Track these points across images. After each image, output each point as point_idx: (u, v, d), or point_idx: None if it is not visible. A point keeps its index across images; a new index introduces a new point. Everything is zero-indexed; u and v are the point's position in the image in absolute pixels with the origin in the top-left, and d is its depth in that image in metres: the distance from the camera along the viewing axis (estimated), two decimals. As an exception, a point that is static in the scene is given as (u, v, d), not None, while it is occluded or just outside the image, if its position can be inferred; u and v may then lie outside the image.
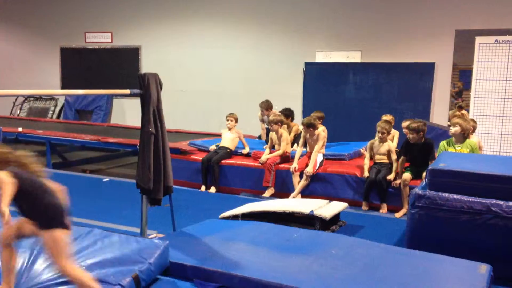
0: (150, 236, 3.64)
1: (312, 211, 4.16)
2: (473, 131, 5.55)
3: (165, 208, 3.68)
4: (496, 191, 3.29)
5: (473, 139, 5.32)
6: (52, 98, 11.15)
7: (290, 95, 8.73)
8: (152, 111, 3.39)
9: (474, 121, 5.86)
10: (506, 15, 7.35)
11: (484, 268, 2.76)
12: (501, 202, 3.21)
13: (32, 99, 11.31)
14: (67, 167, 7.65)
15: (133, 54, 10.35)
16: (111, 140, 7.19)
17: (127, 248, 2.75)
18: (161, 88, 3.49)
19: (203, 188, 6.04)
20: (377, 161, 5.44)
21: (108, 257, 2.64)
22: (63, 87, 11.07)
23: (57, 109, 11.17)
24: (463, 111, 6.52)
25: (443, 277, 2.74)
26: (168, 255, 2.81)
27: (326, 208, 4.34)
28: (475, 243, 3.24)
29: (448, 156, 4.16)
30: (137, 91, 3.40)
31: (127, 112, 10.56)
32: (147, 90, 3.38)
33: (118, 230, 3.98)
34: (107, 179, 6.40)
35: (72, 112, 10.85)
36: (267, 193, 5.75)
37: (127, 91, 3.50)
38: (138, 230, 3.60)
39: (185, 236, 3.35)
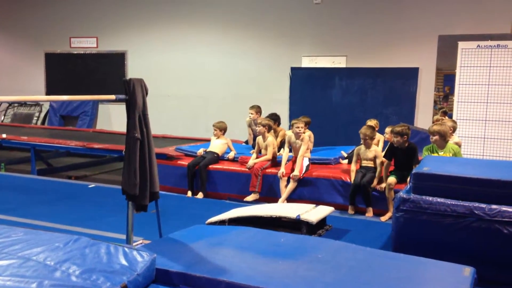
0: (136, 243, 3.62)
1: (298, 215, 4.18)
2: (453, 131, 5.64)
3: (152, 214, 3.66)
4: (479, 194, 3.35)
5: (454, 139, 5.41)
6: (36, 104, 11.04)
7: (277, 100, 8.77)
8: (137, 116, 3.37)
9: (454, 121, 5.94)
10: (488, 20, 7.48)
11: (467, 271, 2.80)
12: (483, 205, 3.26)
13: (16, 105, 11.18)
14: (52, 174, 7.57)
15: (119, 59, 10.30)
16: (96, 146, 7.14)
17: (116, 257, 2.73)
18: (146, 94, 3.48)
19: (189, 193, 6.03)
20: (363, 165, 5.49)
21: (96, 266, 2.62)
22: (47, 93, 10.96)
23: (42, 115, 11.05)
24: (446, 117, 6.62)
25: (427, 280, 2.77)
26: (155, 267, 2.79)
27: (312, 213, 4.36)
28: (459, 246, 3.29)
29: (432, 160, 4.22)
30: (122, 96, 3.38)
31: (113, 117, 10.50)
32: (132, 95, 3.36)
33: (104, 237, 3.96)
34: (92, 185, 6.34)
35: (57, 118, 10.74)
36: (250, 198, 5.76)
37: (112, 97, 3.48)
38: (124, 236, 3.57)
39: (171, 242, 3.34)
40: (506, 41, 6.88)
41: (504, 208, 3.21)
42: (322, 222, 4.47)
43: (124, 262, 2.70)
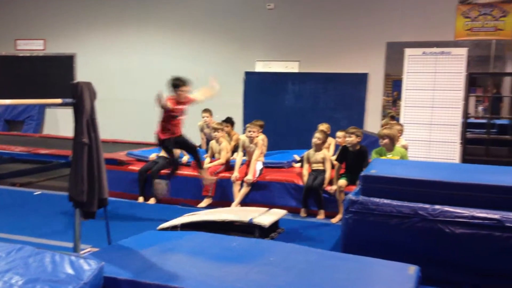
0: (83, 251, 3.51)
1: (251, 219, 4.19)
2: (401, 134, 5.85)
3: (101, 222, 3.57)
4: (423, 195, 3.48)
5: (401, 142, 5.60)
6: (-21, 107, 10.54)
7: (231, 104, 8.76)
8: (85, 121, 3.30)
9: (401, 125, 6.16)
10: (433, 29, 7.82)
11: (412, 269, 2.90)
12: (427, 206, 3.39)
13: (-44, 109, 10.61)
14: (-5, 181, 7.23)
15: (67, 62, 9.99)
16: (42, 151, 6.89)
17: (61, 266, 2.65)
18: (95, 97, 3.41)
19: (140, 199, 5.92)
20: (314, 168, 5.59)
21: (40, 276, 2.53)
22: (-9, 96, 10.47)
23: (-15, 119, 10.56)
24: (394, 121, 6.83)
25: (374, 279, 2.85)
26: (102, 275, 2.72)
27: (265, 216, 4.38)
28: (405, 246, 3.40)
29: (380, 163, 4.35)
30: (69, 100, 3.30)
31: (61, 122, 10.16)
32: (80, 99, 3.29)
33: (50, 245, 3.83)
34: (38, 192, 6.12)
35: (1, 122, 10.29)
36: (204, 203, 5.72)
37: (59, 101, 3.40)
38: (71, 245, 3.47)
39: (121, 249, 3.27)
40: (450, 48, 7.20)
41: (446, 208, 3.35)
42: (275, 225, 4.51)
43: (70, 271, 2.61)
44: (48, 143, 8.02)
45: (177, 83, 4.87)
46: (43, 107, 10.17)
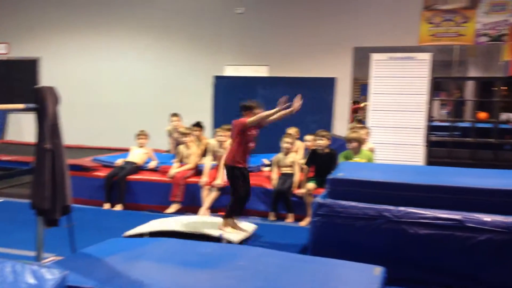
0: (46, 260, 3.42)
1: (221, 234, 4.17)
2: (368, 137, 5.94)
3: (66, 229, 3.49)
4: (388, 197, 3.55)
5: (368, 145, 5.70)
6: None
7: (200, 108, 8.72)
8: (48, 126, 3.23)
9: (367, 128, 6.27)
10: (398, 34, 7.99)
11: (378, 270, 2.95)
12: (391, 208, 3.45)
13: None
14: (-46, 189, 6.96)
15: (31, 66, 9.73)
16: (4, 158, 6.69)
17: (22, 276, 2.56)
18: (58, 102, 3.34)
19: (106, 205, 5.81)
20: (283, 172, 5.62)
21: (0, 287, 2.45)
22: (-50, 102, 10.10)
23: None
24: (360, 124, 6.93)
25: (340, 281, 2.89)
26: (66, 284, 2.65)
27: (235, 231, 4.35)
28: (371, 247, 3.45)
29: (347, 166, 4.41)
30: (32, 105, 3.23)
31: (24, 127, 9.88)
32: (42, 104, 3.22)
33: (12, 255, 3.73)
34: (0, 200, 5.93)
35: (-38, 128, 9.93)
36: (172, 209, 5.66)
37: (21, 106, 3.32)
38: (34, 254, 3.37)
39: (86, 257, 3.20)
40: (414, 53, 7.38)
41: (410, 209, 3.42)
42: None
43: (31, 280, 2.54)
44: (11, 149, 7.79)
45: (251, 105, 4.76)
46: (5, 112, 9.87)
